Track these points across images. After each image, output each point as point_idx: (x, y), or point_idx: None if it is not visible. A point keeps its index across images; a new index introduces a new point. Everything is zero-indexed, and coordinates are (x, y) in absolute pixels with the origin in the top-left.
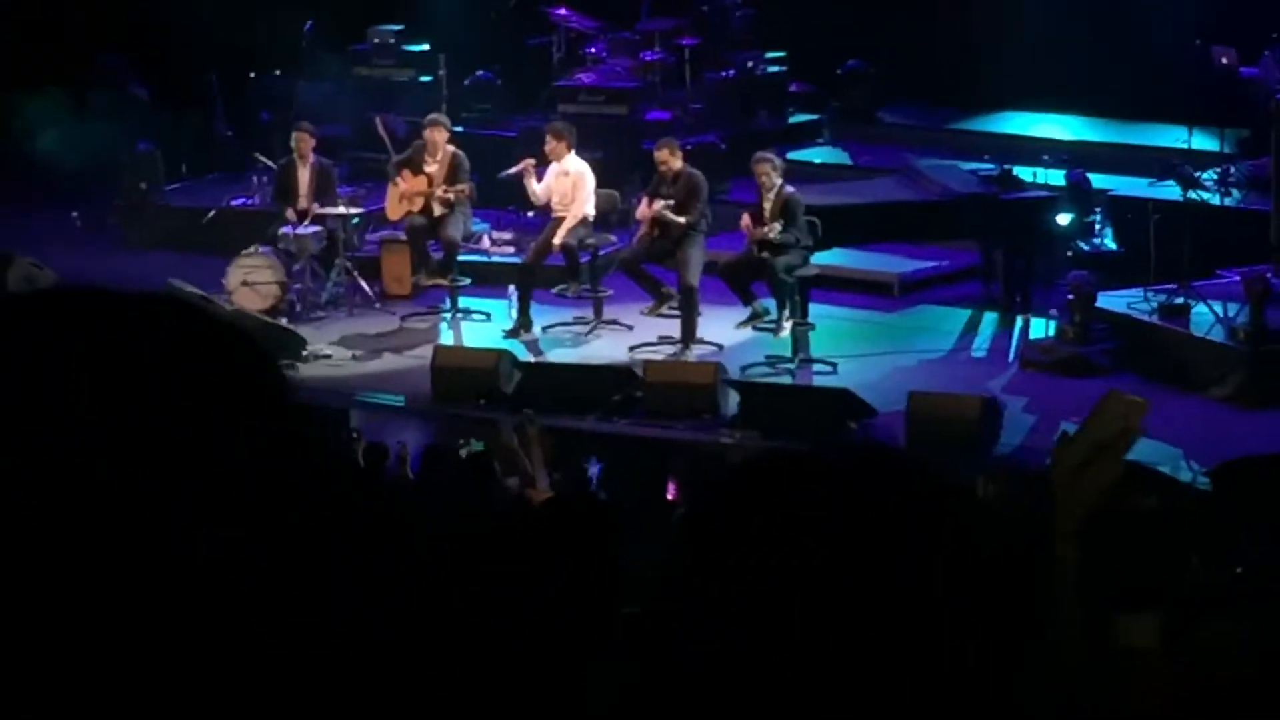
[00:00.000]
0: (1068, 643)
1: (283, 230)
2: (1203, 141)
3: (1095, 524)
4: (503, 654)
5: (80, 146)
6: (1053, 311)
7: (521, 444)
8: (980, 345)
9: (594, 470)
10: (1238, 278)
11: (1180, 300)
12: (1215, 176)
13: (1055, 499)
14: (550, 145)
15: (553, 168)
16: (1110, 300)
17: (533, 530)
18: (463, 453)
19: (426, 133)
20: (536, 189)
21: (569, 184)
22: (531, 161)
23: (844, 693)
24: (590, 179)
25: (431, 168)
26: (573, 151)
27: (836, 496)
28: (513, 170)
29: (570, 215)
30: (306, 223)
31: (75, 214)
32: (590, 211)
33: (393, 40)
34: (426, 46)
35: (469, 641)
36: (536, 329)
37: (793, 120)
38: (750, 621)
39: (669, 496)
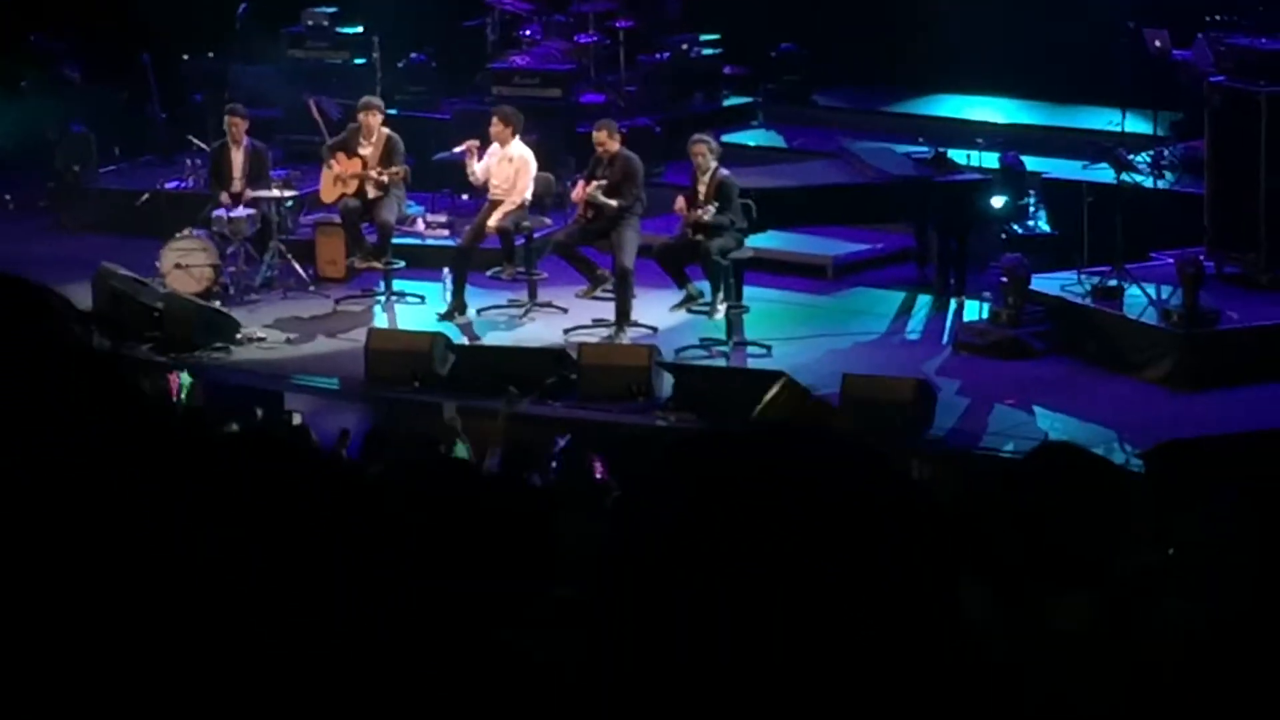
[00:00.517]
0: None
1: (216, 213)
2: (1136, 124)
3: (1027, 506)
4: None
5: (11, 128)
6: (986, 294)
7: (475, 425)
8: (914, 328)
9: (561, 444)
10: (1171, 260)
11: (1114, 283)
12: (1148, 159)
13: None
14: (496, 128)
15: (494, 150)
16: (1044, 283)
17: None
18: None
19: (361, 116)
20: (476, 169)
21: (512, 170)
22: (475, 143)
23: (777, 672)
24: (533, 165)
25: (366, 150)
26: (517, 137)
27: (769, 475)
28: (456, 150)
29: (509, 200)
30: (240, 206)
31: (7, 196)
32: (528, 196)
33: (326, 22)
34: (360, 29)
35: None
36: (471, 312)
37: (727, 103)
38: (686, 602)
39: (597, 476)
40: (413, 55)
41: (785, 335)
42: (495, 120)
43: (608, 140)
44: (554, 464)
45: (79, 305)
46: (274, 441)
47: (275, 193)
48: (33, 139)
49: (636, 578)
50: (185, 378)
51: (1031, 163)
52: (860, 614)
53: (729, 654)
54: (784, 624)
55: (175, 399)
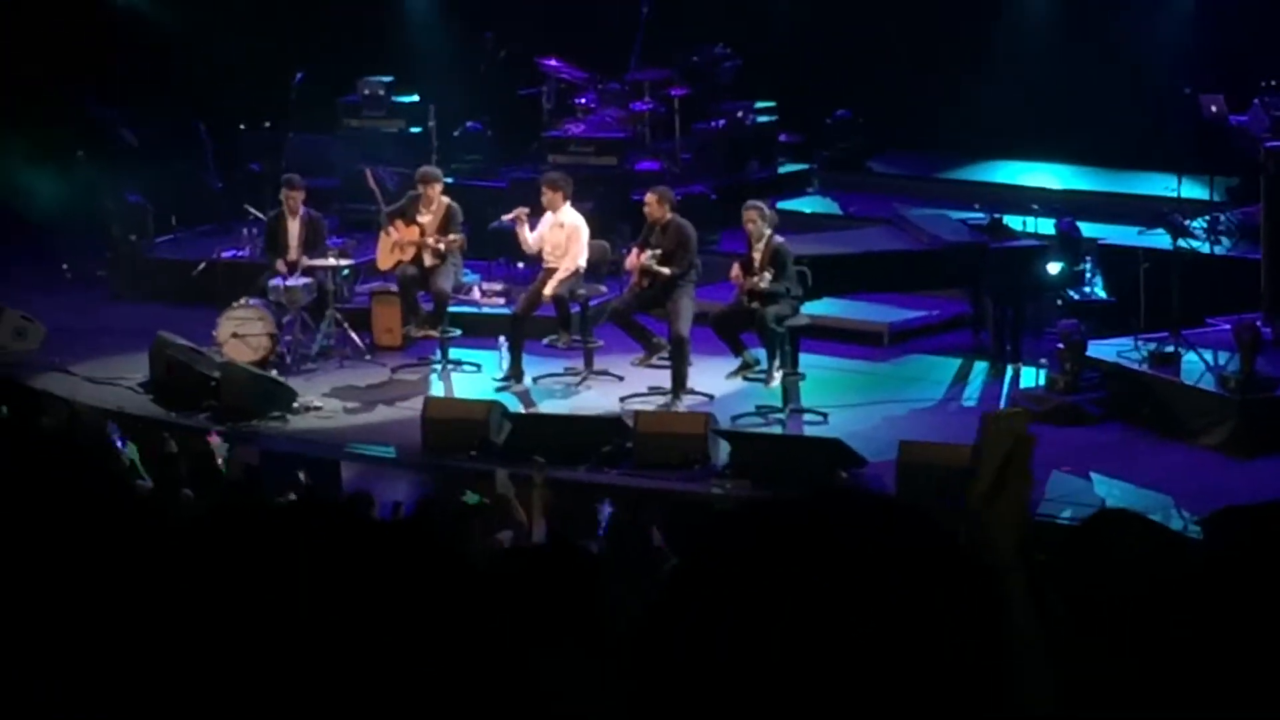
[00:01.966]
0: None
1: (273, 282)
2: (1192, 190)
3: (1085, 571)
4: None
5: (68, 198)
6: (1043, 360)
7: (522, 493)
8: (970, 394)
9: (606, 512)
10: (1227, 326)
11: (1170, 349)
12: (1205, 225)
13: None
14: (547, 196)
15: (547, 218)
16: (1100, 349)
17: (520, 580)
18: (467, 499)
19: (421, 188)
20: (529, 238)
21: (563, 236)
22: (525, 210)
23: None
24: (585, 231)
25: (425, 218)
26: (568, 203)
27: (823, 542)
28: (506, 218)
29: (563, 268)
30: (296, 275)
31: (65, 266)
32: (583, 264)
33: (382, 91)
34: (416, 98)
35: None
36: (527, 380)
37: (782, 170)
38: (742, 667)
39: (655, 545)
40: (468, 124)
41: (841, 402)
42: (545, 188)
43: (657, 207)
44: (601, 532)
45: (136, 375)
46: (329, 511)
47: (332, 261)
48: (89, 209)
49: (690, 645)
50: (223, 447)
51: (1087, 229)
52: (915, 682)
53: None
54: (841, 693)
55: (215, 460)
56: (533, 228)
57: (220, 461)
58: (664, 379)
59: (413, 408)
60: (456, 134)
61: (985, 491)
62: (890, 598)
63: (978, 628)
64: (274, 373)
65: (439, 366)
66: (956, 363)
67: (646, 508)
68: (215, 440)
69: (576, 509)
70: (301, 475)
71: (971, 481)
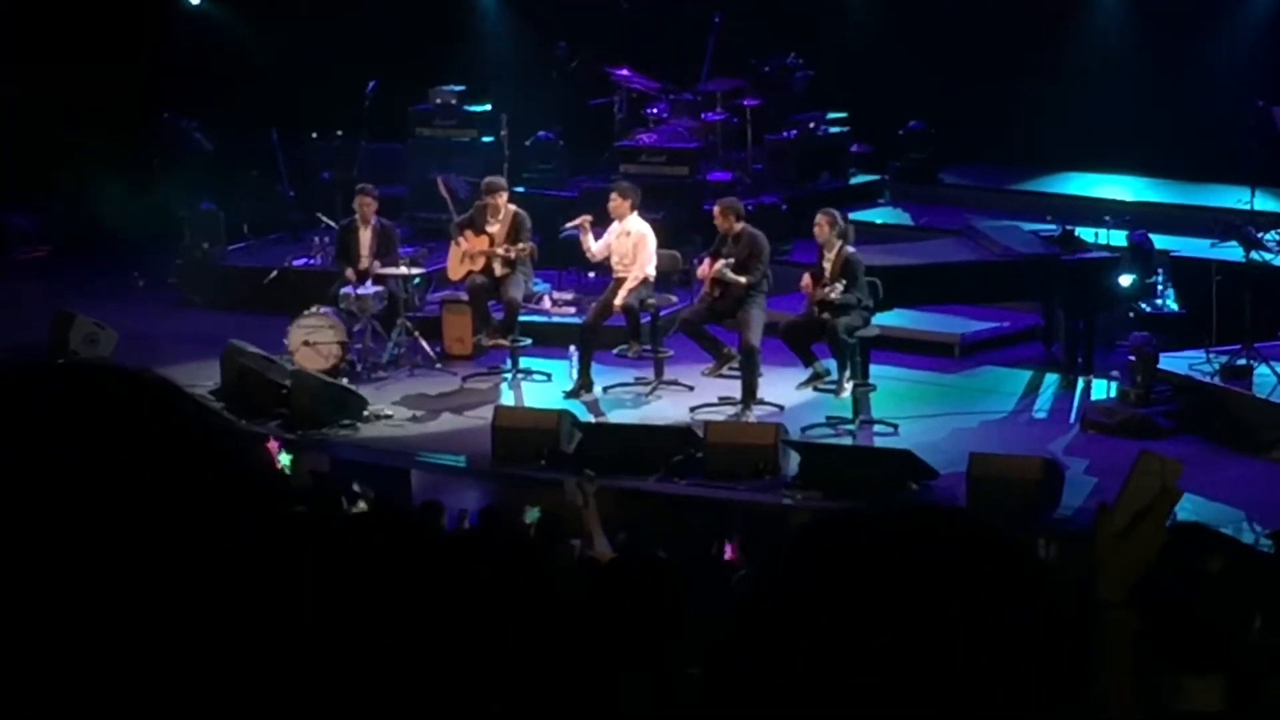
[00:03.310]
0: (1121, 710)
1: (344, 290)
2: (1264, 202)
3: (1158, 586)
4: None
5: (145, 212)
6: (1114, 373)
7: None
8: (1041, 406)
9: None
10: None
11: (1242, 362)
12: (1277, 237)
13: (1099, 568)
14: (614, 203)
15: (614, 227)
16: (1172, 361)
17: (596, 591)
18: (526, 518)
19: (487, 197)
20: (593, 246)
21: (630, 244)
22: (588, 218)
23: None
24: (652, 240)
25: (494, 228)
26: (635, 212)
27: (898, 557)
28: (570, 225)
29: (631, 276)
30: (368, 283)
31: (137, 274)
32: (651, 272)
33: (454, 101)
34: (488, 107)
35: (531, 703)
36: (597, 389)
37: (854, 181)
38: (814, 683)
39: (727, 556)
40: (540, 133)
41: (912, 414)
42: (613, 195)
43: (723, 219)
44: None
45: (207, 383)
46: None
47: (403, 270)
48: (163, 216)
49: (762, 657)
50: (285, 456)
51: (1160, 241)
52: (986, 700)
53: None
54: (917, 706)
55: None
56: (598, 236)
57: (281, 469)
58: (734, 389)
59: (483, 417)
60: (528, 143)
61: (1119, 530)
62: (962, 617)
63: (1051, 645)
64: (344, 381)
65: (509, 375)
66: (1027, 375)
67: (720, 518)
68: (273, 447)
69: (649, 519)
70: (356, 486)
71: (1105, 513)
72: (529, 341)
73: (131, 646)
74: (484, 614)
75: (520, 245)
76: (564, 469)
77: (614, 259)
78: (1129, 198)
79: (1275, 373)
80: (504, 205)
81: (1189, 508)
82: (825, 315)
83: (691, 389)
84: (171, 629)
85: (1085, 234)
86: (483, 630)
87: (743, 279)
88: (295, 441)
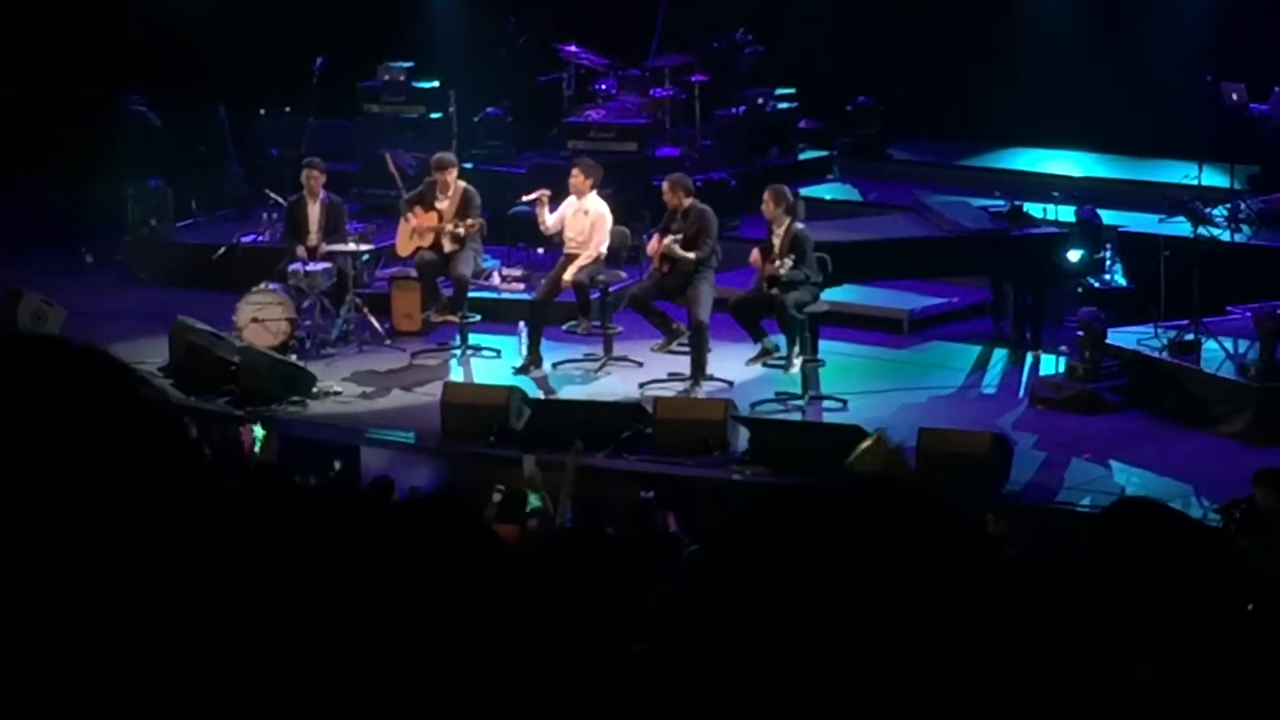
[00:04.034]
0: None
1: (292, 267)
2: (1213, 178)
3: (1104, 561)
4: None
5: (92, 187)
6: (1063, 348)
7: (550, 478)
8: (990, 381)
9: (648, 496)
10: (1248, 314)
11: (1190, 337)
12: (1225, 213)
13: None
14: (576, 179)
15: (570, 203)
16: (1120, 337)
17: (544, 565)
18: (495, 497)
19: (436, 174)
20: (548, 220)
21: (587, 223)
22: (547, 192)
23: None
24: (609, 219)
25: (443, 204)
26: (594, 191)
27: (848, 530)
28: (527, 198)
29: (584, 255)
30: (316, 259)
31: (85, 250)
32: (604, 250)
33: (403, 77)
34: (436, 83)
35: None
36: (547, 365)
37: (802, 157)
38: (767, 656)
39: (670, 530)
40: (489, 110)
41: (861, 389)
42: (576, 171)
43: (673, 195)
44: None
45: (156, 359)
46: (351, 497)
47: (351, 246)
48: (110, 194)
49: (713, 632)
50: (259, 430)
51: (1108, 216)
52: (935, 671)
53: (804, 709)
54: (858, 680)
55: (249, 452)
56: (552, 210)
57: (256, 449)
58: (683, 365)
59: (432, 393)
60: (477, 120)
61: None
62: (912, 589)
63: (1000, 617)
64: (293, 357)
65: (458, 352)
66: (976, 350)
67: (665, 494)
68: (246, 432)
69: (606, 495)
70: (337, 465)
71: None
72: (478, 318)
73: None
74: (430, 588)
75: (469, 221)
76: (512, 445)
77: (568, 235)
78: (1077, 173)
79: (1223, 348)
80: (453, 181)
81: (1137, 482)
82: (774, 291)
83: (641, 365)
84: (110, 601)
85: (1034, 209)
86: (431, 604)
87: (691, 255)
88: (264, 418)
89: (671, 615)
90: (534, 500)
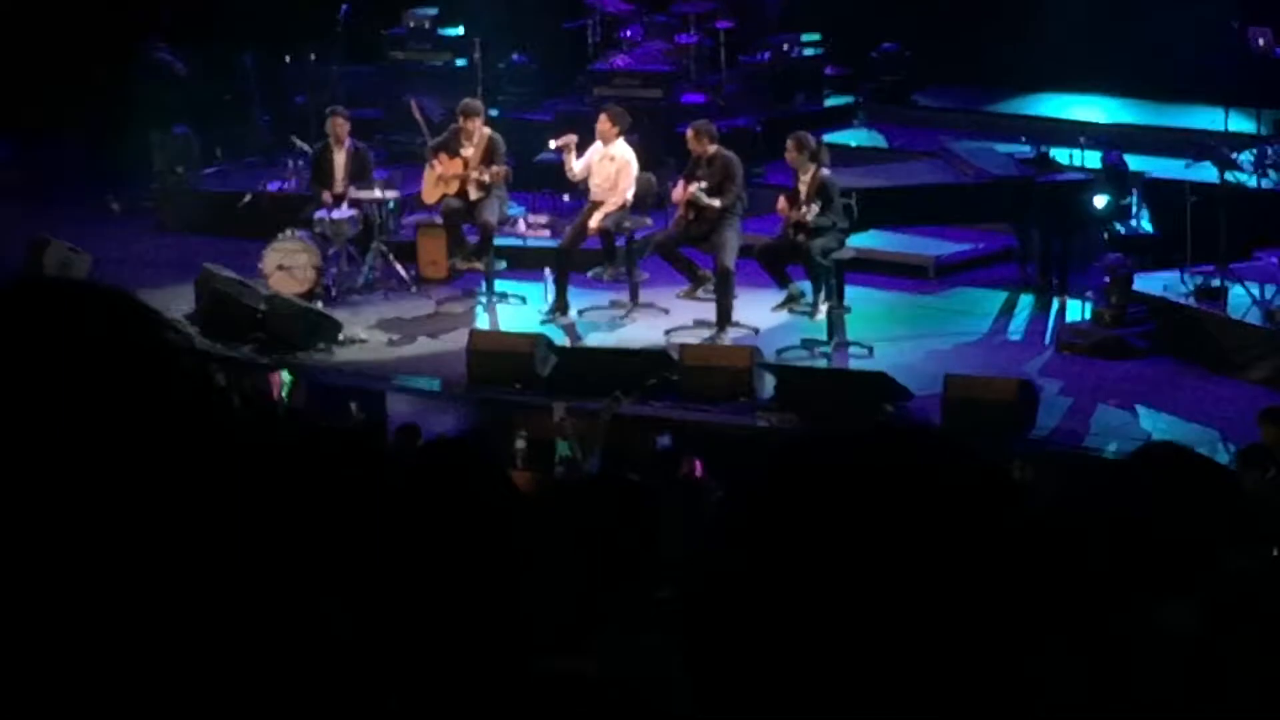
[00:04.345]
0: None
1: (318, 214)
2: (1239, 123)
3: (1134, 507)
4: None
5: (119, 135)
6: (1089, 294)
7: (581, 426)
8: (1016, 328)
9: (664, 442)
10: (1275, 260)
11: (1217, 283)
12: (1252, 158)
13: None
14: (603, 125)
15: (597, 149)
16: (1147, 283)
17: (570, 511)
18: (518, 442)
19: (461, 121)
20: (575, 166)
21: (613, 169)
22: (573, 138)
23: (882, 671)
24: (634, 166)
25: (468, 151)
26: (621, 138)
27: (876, 476)
28: (555, 143)
29: (610, 201)
30: (342, 207)
31: (111, 198)
32: (629, 197)
33: (428, 24)
34: (461, 30)
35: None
36: (572, 313)
37: (828, 103)
38: (791, 603)
39: (696, 475)
40: (514, 57)
41: (887, 336)
42: (603, 117)
43: (697, 142)
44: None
45: (182, 307)
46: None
47: (377, 194)
48: (137, 142)
49: (738, 579)
50: (286, 376)
51: (1134, 162)
52: (962, 619)
53: (836, 655)
54: (884, 628)
55: (277, 398)
56: (579, 157)
57: (284, 395)
58: (709, 312)
59: (458, 340)
60: (502, 66)
61: None
62: (939, 535)
63: (1027, 563)
64: (319, 305)
65: (484, 299)
66: (1003, 296)
67: (691, 440)
68: (275, 379)
69: (632, 442)
70: (354, 407)
71: None
72: (504, 265)
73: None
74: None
75: (495, 168)
76: (538, 392)
77: (594, 182)
78: (1103, 119)
79: (1249, 293)
80: (478, 129)
81: (1163, 428)
82: (800, 238)
83: (667, 312)
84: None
85: (1060, 156)
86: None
87: (717, 202)
88: (269, 365)
89: (695, 564)
90: (562, 448)
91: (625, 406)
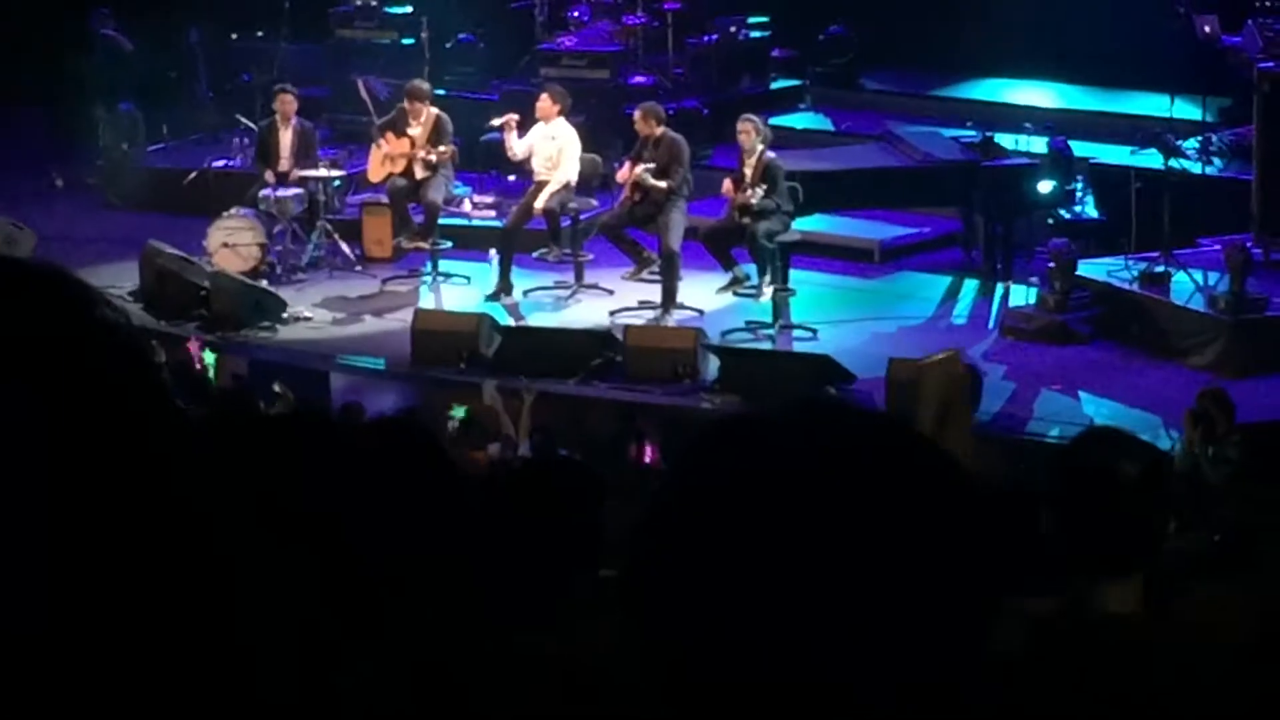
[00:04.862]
0: None
1: (263, 192)
2: (1185, 110)
3: (1075, 492)
4: (481, 616)
5: (63, 111)
6: (1033, 279)
7: (510, 406)
8: (960, 312)
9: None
10: (1218, 247)
11: (1161, 269)
12: (1197, 145)
13: None
14: (543, 105)
15: (539, 129)
16: (1091, 268)
17: (513, 492)
18: (451, 422)
19: (408, 100)
20: (517, 146)
21: (555, 148)
22: (515, 117)
23: (820, 645)
24: (576, 145)
25: (415, 130)
26: (563, 117)
27: (810, 450)
28: (496, 122)
29: (554, 181)
30: (287, 185)
31: (55, 174)
32: (573, 176)
33: (375, 2)
34: (409, 9)
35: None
36: (517, 293)
37: (774, 86)
38: (726, 578)
39: (646, 460)
40: (461, 36)
41: (831, 318)
42: (544, 97)
43: (644, 123)
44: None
45: (126, 284)
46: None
47: (323, 172)
48: (82, 118)
49: (674, 559)
50: (209, 355)
51: (1079, 148)
52: (901, 593)
53: (774, 629)
54: (821, 603)
55: (198, 368)
56: (521, 137)
57: (200, 368)
58: (654, 293)
59: (402, 319)
60: (449, 46)
61: (932, 427)
62: (883, 511)
63: (970, 541)
64: (264, 283)
65: (429, 278)
66: (947, 280)
67: (637, 422)
68: (194, 348)
69: (562, 422)
70: (277, 386)
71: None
72: (449, 244)
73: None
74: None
75: (441, 148)
76: (482, 372)
77: (536, 162)
78: (1049, 104)
79: (1193, 280)
80: (425, 108)
81: (1105, 413)
82: (746, 220)
83: (611, 293)
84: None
85: (1005, 140)
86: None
87: (663, 184)
88: (217, 342)
89: (635, 539)
90: (458, 412)
91: (569, 387)
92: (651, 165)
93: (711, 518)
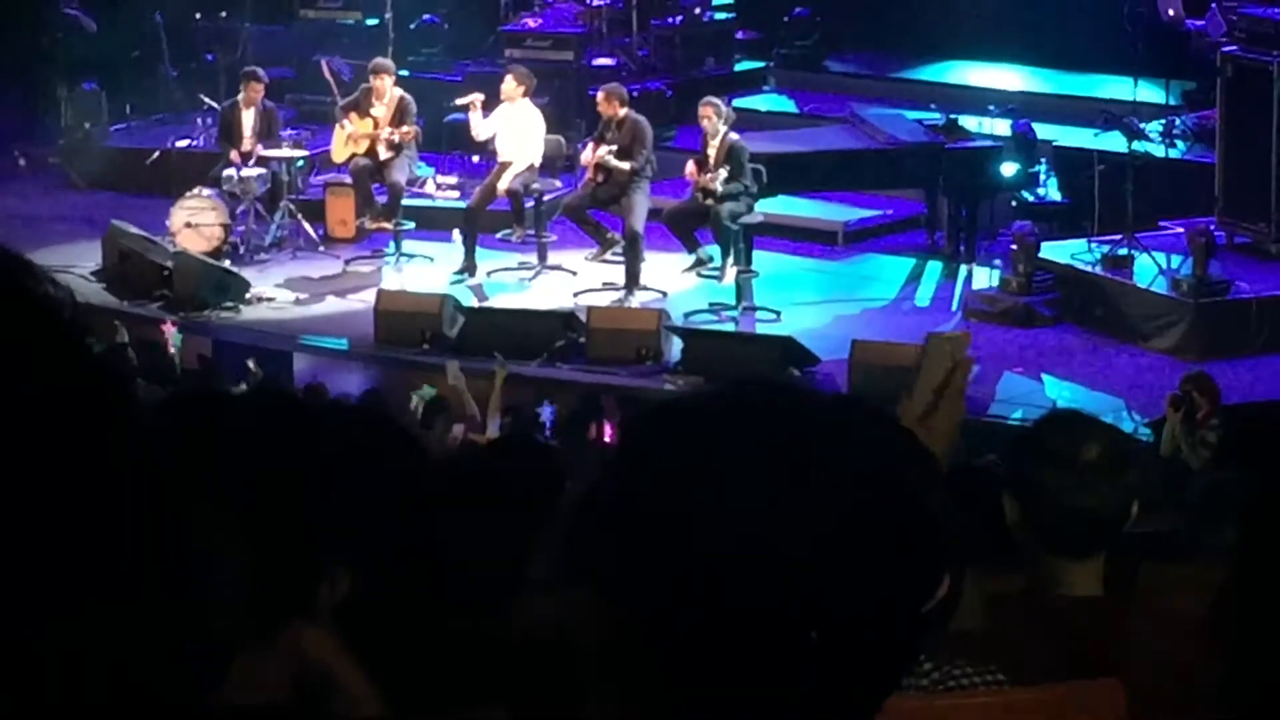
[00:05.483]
0: None
1: (227, 172)
2: (1148, 93)
3: (1037, 474)
4: (443, 594)
5: (25, 90)
6: (996, 261)
7: (476, 387)
8: (924, 294)
9: (546, 414)
10: (1181, 230)
11: (1124, 251)
12: (1160, 128)
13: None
14: (508, 87)
15: (502, 109)
16: (1054, 251)
17: (476, 473)
18: (414, 400)
19: (372, 80)
20: (480, 126)
21: (519, 130)
22: (480, 97)
23: (767, 618)
24: (540, 126)
25: (378, 111)
26: (527, 98)
27: (743, 428)
28: (460, 102)
29: (517, 161)
30: (251, 165)
31: (18, 153)
32: (537, 158)
33: None
34: None
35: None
36: (480, 273)
37: (739, 67)
38: (669, 554)
39: (606, 439)
40: (425, 17)
41: (795, 300)
42: (509, 78)
43: (608, 105)
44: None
45: (88, 264)
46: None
47: (286, 152)
48: (45, 97)
49: (616, 536)
50: (177, 336)
51: (1043, 130)
52: (861, 567)
53: (718, 599)
54: (774, 579)
55: (168, 350)
56: (486, 118)
57: (173, 351)
58: (617, 274)
59: (365, 300)
60: (413, 26)
61: (920, 414)
62: (828, 487)
63: (927, 518)
64: (227, 263)
65: (392, 259)
66: (910, 262)
67: (599, 404)
68: (169, 330)
69: (524, 404)
70: (251, 364)
71: (906, 397)
72: (412, 225)
73: None
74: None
75: (405, 129)
76: (445, 352)
77: (500, 143)
78: (1012, 87)
79: (1156, 263)
80: (389, 88)
81: (1068, 396)
82: (709, 202)
83: (575, 274)
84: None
85: (969, 123)
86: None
87: (626, 165)
88: (181, 323)
89: (575, 516)
90: (427, 392)
91: (532, 368)
92: (615, 147)
93: (653, 494)
